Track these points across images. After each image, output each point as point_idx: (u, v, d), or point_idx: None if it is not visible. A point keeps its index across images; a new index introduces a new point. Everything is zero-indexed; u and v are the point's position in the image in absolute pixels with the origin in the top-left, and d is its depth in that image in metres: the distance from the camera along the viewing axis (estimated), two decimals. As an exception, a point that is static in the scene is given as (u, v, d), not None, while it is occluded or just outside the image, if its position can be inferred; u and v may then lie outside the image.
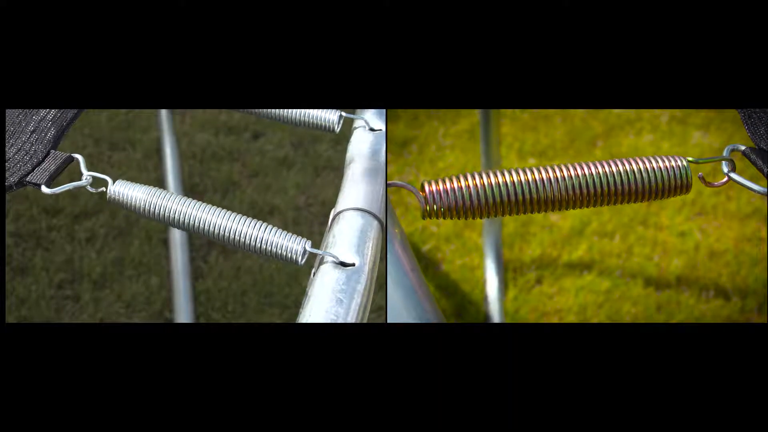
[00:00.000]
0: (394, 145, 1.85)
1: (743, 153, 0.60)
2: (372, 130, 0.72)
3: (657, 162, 0.58)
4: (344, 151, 0.71)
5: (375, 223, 0.61)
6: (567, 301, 1.53)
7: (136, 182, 0.62)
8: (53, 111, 0.66)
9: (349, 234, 0.60)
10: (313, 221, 1.79)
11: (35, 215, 1.71)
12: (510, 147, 1.85)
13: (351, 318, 0.54)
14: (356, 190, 0.65)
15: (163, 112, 1.83)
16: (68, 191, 0.61)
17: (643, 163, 0.58)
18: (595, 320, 1.49)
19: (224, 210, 0.60)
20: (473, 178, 0.57)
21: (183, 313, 1.54)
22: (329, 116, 0.71)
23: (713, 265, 1.57)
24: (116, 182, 0.61)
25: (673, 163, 0.58)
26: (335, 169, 1.91)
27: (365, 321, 0.56)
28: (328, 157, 1.95)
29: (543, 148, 1.86)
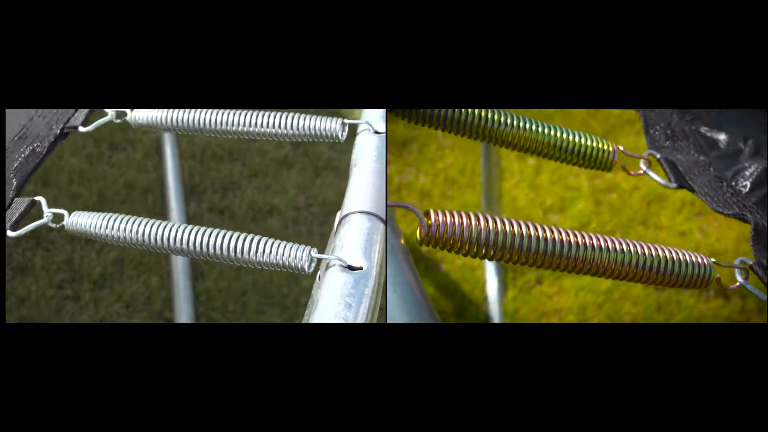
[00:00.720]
0: (394, 145, 1.85)
1: (751, 267, 0.64)
2: (377, 132, 0.71)
3: (684, 255, 0.60)
4: (344, 151, 0.71)
5: (381, 226, 0.61)
6: (567, 301, 1.53)
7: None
8: (18, 161, 0.71)
9: (356, 237, 0.59)
10: (313, 221, 1.79)
11: (35, 215, 1.71)
12: (510, 147, 1.85)
13: (360, 322, 0.53)
14: (362, 192, 0.64)
15: (163, 113, 1.83)
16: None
17: (663, 251, 0.59)
18: (595, 320, 1.49)
19: (214, 230, 0.60)
20: (485, 220, 0.56)
21: (183, 313, 1.54)
22: (332, 125, 0.71)
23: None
24: (72, 214, 0.65)
25: (700, 260, 0.61)
26: (335, 170, 1.91)
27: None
28: (328, 157, 1.95)
29: (543, 148, 1.86)
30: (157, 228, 0.61)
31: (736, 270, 0.63)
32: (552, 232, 0.57)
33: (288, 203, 1.82)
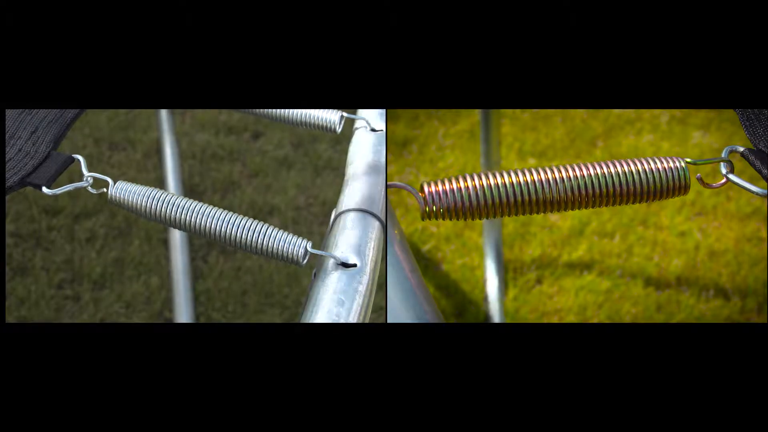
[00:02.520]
0: (394, 145, 1.85)
1: (742, 154, 0.60)
2: (373, 130, 0.72)
3: (655, 163, 0.59)
4: (344, 151, 0.71)
5: (376, 223, 0.61)
6: (567, 301, 1.53)
7: (136, 182, 0.62)
8: (53, 111, 0.66)
9: (350, 235, 0.60)
10: (313, 221, 1.79)
11: (35, 215, 1.71)
12: (510, 147, 1.85)
13: (353, 318, 0.54)
14: (357, 190, 0.65)
15: (163, 112, 1.83)
16: (68, 191, 0.61)
17: (642, 164, 0.58)
18: (595, 320, 1.49)
19: (225, 211, 0.60)
20: (473, 179, 0.57)
21: (183, 313, 1.54)
22: (330, 116, 0.71)
23: (713, 265, 1.57)
24: (117, 183, 0.61)
25: (671, 164, 0.59)
26: (335, 169, 1.91)
27: (367, 321, 0.56)
28: (328, 157, 1.95)
29: (543, 149, 1.86)
30: (158, 200, 0.60)
31: (722, 165, 0.60)
32: (545, 173, 0.57)
33: (288, 203, 1.82)
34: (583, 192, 0.57)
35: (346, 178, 0.67)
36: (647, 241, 1.63)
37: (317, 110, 0.71)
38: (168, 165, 1.81)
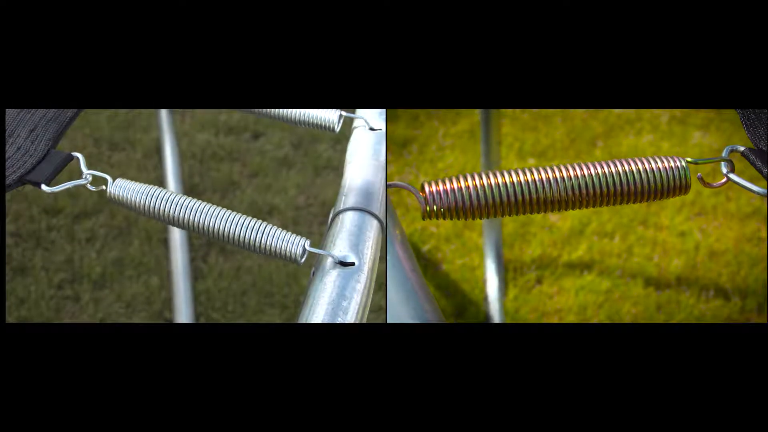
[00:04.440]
0: (394, 145, 1.85)
1: (742, 154, 0.60)
2: (372, 129, 0.72)
3: (656, 162, 0.58)
4: (344, 151, 0.71)
5: (374, 222, 0.61)
6: (567, 301, 1.53)
7: (136, 182, 0.62)
8: (52, 110, 0.66)
9: (348, 233, 0.60)
10: (313, 221, 1.79)
11: (35, 215, 1.71)
12: (510, 147, 1.85)
13: (350, 317, 0.54)
14: (356, 189, 0.65)
15: (163, 112, 1.83)
16: (68, 191, 0.61)
17: (643, 163, 0.58)
18: (595, 320, 1.49)
19: (225, 209, 0.60)
20: (473, 178, 0.57)
21: (183, 313, 1.54)
22: (329, 116, 0.71)
23: (713, 265, 1.57)
24: (116, 181, 0.61)
25: (672, 163, 0.58)
26: (335, 169, 1.91)
27: (364, 320, 0.56)
28: (328, 157, 1.95)
29: (543, 149, 1.86)
30: (158, 197, 0.60)
31: (722, 164, 0.60)
32: (546, 172, 0.57)
33: (288, 203, 1.82)
34: (584, 191, 0.57)
35: (344, 177, 0.67)
36: (647, 241, 1.63)
37: (316, 110, 0.72)
38: (168, 165, 1.81)
